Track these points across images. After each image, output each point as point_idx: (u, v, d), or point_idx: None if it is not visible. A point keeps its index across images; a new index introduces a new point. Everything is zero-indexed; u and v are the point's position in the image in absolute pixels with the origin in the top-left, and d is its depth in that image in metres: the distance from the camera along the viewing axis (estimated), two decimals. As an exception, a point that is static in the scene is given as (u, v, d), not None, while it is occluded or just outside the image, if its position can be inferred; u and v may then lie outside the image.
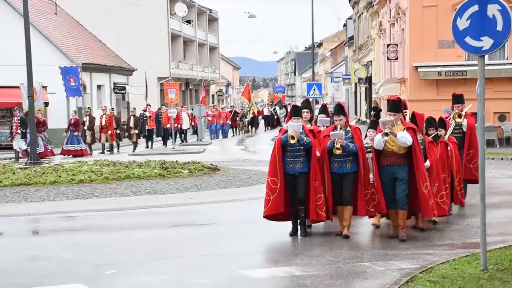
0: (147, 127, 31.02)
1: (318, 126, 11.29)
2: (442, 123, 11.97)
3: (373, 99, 42.68)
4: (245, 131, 45.34)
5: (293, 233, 10.25)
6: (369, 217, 10.54)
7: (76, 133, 26.88)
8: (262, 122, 51.52)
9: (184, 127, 35.05)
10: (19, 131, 25.14)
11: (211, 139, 38.00)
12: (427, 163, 10.53)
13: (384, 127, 9.75)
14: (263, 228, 10.79)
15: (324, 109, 12.03)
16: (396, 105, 10.02)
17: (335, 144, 9.86)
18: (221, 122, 40.12)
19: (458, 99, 12.99)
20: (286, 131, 10.16)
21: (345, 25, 65.44)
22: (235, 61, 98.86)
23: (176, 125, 32.56)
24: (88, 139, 27.91)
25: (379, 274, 8.08)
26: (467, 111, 13.03)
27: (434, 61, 27.55)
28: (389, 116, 9.99)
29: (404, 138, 9.72)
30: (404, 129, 9.86)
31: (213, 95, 70.17)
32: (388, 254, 9.09)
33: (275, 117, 52.62)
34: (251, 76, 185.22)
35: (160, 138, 33.12)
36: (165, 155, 24.12)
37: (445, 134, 11.93)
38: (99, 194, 15.18)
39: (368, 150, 10.38)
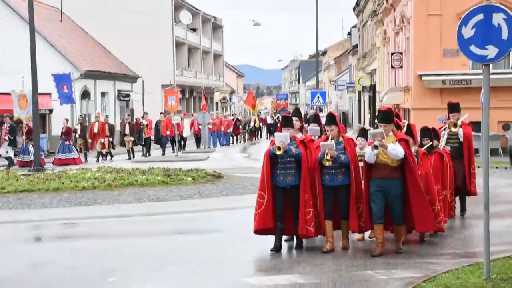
0: (144, 136, 30.63)
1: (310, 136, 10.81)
2: (434, 134, 11.61)
3: (377, 108, 42.67)
4: (248, 139, 45.22)
5: (275, 249, 9.64)
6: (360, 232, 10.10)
7: (67, 142, 26.40)
8: (264, 130, 51.29)
9: (185, 134, 34.73)
10: (7, 137, 24.66)
11: (213, 147, 37.76)
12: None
13: (373, 139, 9.31)
14: (266, 236, 10.77)
15: (315, 118, 11.36)
16: (387, 116, 9.56)
17: (325, 156, 9.45)
18: (222, 130, 39.78)
19: (453, 108, 12.57)
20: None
21: (349, 33, 65.53)
22: (239, 69, 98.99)
23: (177, 132, 32.32)
24: (80, 147, 27.46)
25: (382, 282, 8.05)
26: (463, 120, 12.64)
27: (438, 69, 27.55)
28: (380, 127, 9.52)
29: (395, 150, 9.23)
30: (396, 141, 9.36)
31: (217, 103, 70.24)
32: (390, 263, 9.05)
33: (279, 125, 52.20)
34: (255, 84, 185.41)
35: (159, 146, 32.69)
36: (168, 162, 24.13)
37: (439, 145, 11.66)
38: (102, 201, 15.19)
39: (359, 159, 9.93)
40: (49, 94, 31.12)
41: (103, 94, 39.56)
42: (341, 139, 9.77)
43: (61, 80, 28.58)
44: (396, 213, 9.44)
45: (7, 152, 24.82)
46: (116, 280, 8.32)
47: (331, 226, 9.67)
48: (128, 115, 31.97)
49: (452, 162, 11.77)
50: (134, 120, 32.18)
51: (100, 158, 27.84)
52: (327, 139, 9.73)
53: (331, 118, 9.85)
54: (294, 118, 10.23)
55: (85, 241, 11.26)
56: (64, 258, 9.78)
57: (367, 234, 10.43)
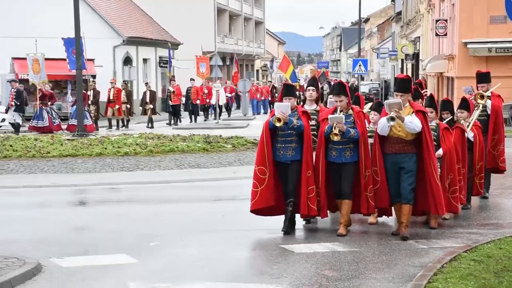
0: (170, 103, 29.39)
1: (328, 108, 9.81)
2: (464, 104, 10.44)
3: (420, 76, 42.02)
4: None
5: (286, 230, 8.92)
6: (367, 214, 9.21)
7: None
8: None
9: (221, 102, 33.20)
10: (13, 103, 24.12)
11: (253, 115, 37.46)
12: (440, 151, 9.19)
13: (389, 110, 8.47)
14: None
15: (340, 89, 9.43)
16: (404, 84, 8.72)
17: (333, 129, 8.58)
18: (258, 97, 38.83)
19: (482, 78, 11.35)
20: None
21: (393, 0, 64.35)
22: (280, 36, 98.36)
23: (208, 100, 31.76)
24: (93, 113, 25.77)
25: (422, 252, 8.01)
26: (493, 91, 11.34)
27: (484, 37, 26.93)
28: (396, 97, 8.75)
29: (413, 123, 8.45)
30: (412, 113, 8.56)
31: (257, 70, 70.06)
32: (431, 233, 8.99)
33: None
34: (296, 51, 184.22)
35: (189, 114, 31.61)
36: (208, 130, 24.24)
37: (469, 117, 10.42)
38: (144, 167, 15.37)
39: (369, 135, 9.05)
40: (92, 60, 31.40)
41: (144, 60, 39.76)
42: (350, 111, 8.90)
43: (72, 44, 25.89)
44: (406, 190, 8.57)
45: (13, 117, 24.37)
46: (157, 245, 8.44)
47: (345, 204, 8.84)
48: (148, 82, 30.67)
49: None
50: (146, 87, 30.22)
51: (120, 124, 27.01)
52: (335, 111, 8.86)
53: (340, 87, 9.00)
54: (311, 88, 9.45)
55: (126, 206, 11.44)
56: (106, 222, 9.95)
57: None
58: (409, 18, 50.43)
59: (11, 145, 17.34)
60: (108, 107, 27.31)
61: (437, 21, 32.02)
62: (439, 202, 8.65)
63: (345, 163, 8.77)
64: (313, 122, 9.07)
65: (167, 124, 29.22)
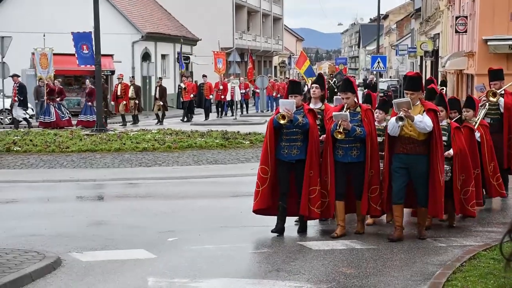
0: (181, 99, 29.08)
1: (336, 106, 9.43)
2: (469, 103, 10.06)
3: (439, 73, 41.75)
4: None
5: (277, 231, 8.64)
6: (371, 216, 9.03)
7: (89, 103, 24.41)
8: None
9: (236, 98, 32.20)
10: (16, 98, 23.72)
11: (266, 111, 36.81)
12: (450, 151, 8.87)
13: (398, 109, 8.13)
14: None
15: (347, 85, 8.87)
16: (414, 82, 8.37)
17: (337, 127, 8.31)
18: (274, 94, 37.41)
19: (495, 75, 10.94)
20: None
21: (412, -4, 63.94)
22: (298, 32, 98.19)
23: (223, 96, 31.24)
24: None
25: (441, 250, 7.97)
26: (506, 88, 10.90)
27: (505, 34, 26.66)
28: (406, 95, 8.39)
29: (423, 122, 8.11)
30: (423, 111, 8.22)
31: (275, 67, 69.99)
32: (450, 231, 8.94)
33: (334, 89, 50.03)
34: (314, 47, 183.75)
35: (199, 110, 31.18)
36: (226, 126, 24.27)
37: (475, 116, 10.03)
38: (162, 163, 15.44)
39: (378, 133, 8.80)
40: (111, 55, 31.55)
41: (163, 56, 39.89)
42: (358, 109, 8.59)
43: (81, 39, 25.62)
44: (421, 193, 8.37)
45: (17, 116, 23.98)
46: (176, 241, 8.47)
47: (342, 207, 8.57)
48: (160, 78, 29.98)
49: (492, 136, 10.22)
50: (156, 83, 29.92)
51: (134, 120, 26.64)
52: (342, 109, 8.59)
53: (347, 84, 8.66)
54: (315, 86, 9.08)
55: (145, 201, 11.50)
56: (125, 217, 10.01)
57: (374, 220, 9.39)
58: (428, 14, 50.09)
59: (31, 140, 17.50)
60: (116, 104, 27.11)
61: (457, 17, 31.76)
62: (440, 206, 8.38)
63: (351, 162, 8.48)
64: (317, 122, 8.74)
65: (181, 120, 28.88)
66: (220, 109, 32.35)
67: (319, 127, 8.73)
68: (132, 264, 7.44)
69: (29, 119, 24.47)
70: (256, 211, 8.83)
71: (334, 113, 8.45)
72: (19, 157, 15.86)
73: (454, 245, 8.18)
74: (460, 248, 8.03)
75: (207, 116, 30.41)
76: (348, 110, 8.49)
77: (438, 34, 44.67)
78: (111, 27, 31.25)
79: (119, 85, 27.03)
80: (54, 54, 25.94)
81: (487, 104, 10.65)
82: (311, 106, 8.94)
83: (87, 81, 25.29)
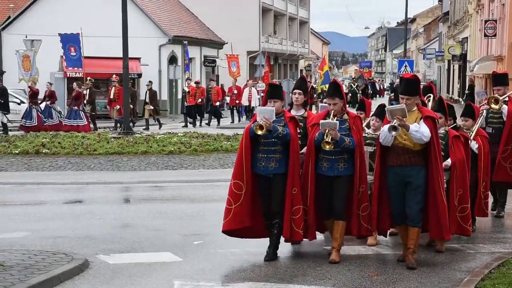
0: (186, 104, 27.20)
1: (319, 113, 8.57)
2: (469, 112, 9.08)
3: (467, 77, 41.35)
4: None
5: (269, 258, 7.67)
6: (359, 237, 7.95)
7: (75, 107, 23.25)
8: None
9: (253, 104, 30.18)
10: None
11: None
12: (448, 161, 8.02)
13: (392, 117, 7.20)
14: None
15: (335, 90, 7.80)
16: (411, 86, 7.39)
17: (324, 137, 7.40)
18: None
19: (499, 80, 9.96)
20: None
21: (440, 0, 63.47)
22: (325, 36, 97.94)
23: (237, 101, 29.91)
24: (90, 113, 24.36)
25: (469, 257, 7.90)
26: (510, 95, 9.88)
27: (535, 38, 26.35)
28: (401, 101, 7.39)
29: (419, 132, 7.20)
30: (421, 119, 7.31)
31: (301, 70, 69.87)
32: (478, 237, 8.84)
33: (358, 93, 48.03)
34: (340, 51, 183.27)
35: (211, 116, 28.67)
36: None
37: (473, 127, 9.02)
38: (188, 166, 15.51)
39: (368, 142, 8.05)
40: (138, 58, 31.77)
41: (190, 59, 40.04)
42: (345, 116, 7.66)
43: (69, 40, 25.00)
44: (413, 210, 7.33)
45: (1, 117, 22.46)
46: (202, 244, 8.50)
47: (338, 225, 7.63)
48: (150, 81, 27.33)
49: (493, 147, 9.32)
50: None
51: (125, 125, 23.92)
52: (327, 115, 7.66)
53: (334, 88, 7.68)
54: (297, 91, 8.10)
55: (171, 204, 11.56)
56: (151, 220, 10.07)
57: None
58: (456, 18, 49.67)
59: (59, 142, 17.69)
60: (110, 108, 25.42)
61: (486, 21, 31.47)
62: (445, 225, 7.42)
63: (338, 176, 7.53)
64: (298, 130, 7.81)
65: (183, 127, 26.58)
66: (236, 113, 30.63)
67: (299, 135, 7.80)
68: (159, 267, 7.48)
69: (6, 123, 22.73)
70: (227, 232, 7.82)
71: (321, 121, 7.49)
72: (47, 159, 16.05)
73: (482, 252, 8.09)
74: (488, 255, 7.94)
75: (211, 121, 28.27)
76: (335, 118, 7.58)
77: (467, 38, 44.27)
78: (139, 30, 31.46)
79: (113, 88, 25.18)
80: (83, 57, 26.12)
81: (485, 111, 9.71)
82: (293, 112, 8.02)
83: (74, 84, 24.10)
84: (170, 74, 34.15)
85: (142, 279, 7.04)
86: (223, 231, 7.84)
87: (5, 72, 33.17)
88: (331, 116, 7.58)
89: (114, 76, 25.93)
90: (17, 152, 16.78)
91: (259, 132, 7.44)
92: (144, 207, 11.29)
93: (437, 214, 7.41)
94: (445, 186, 7.72)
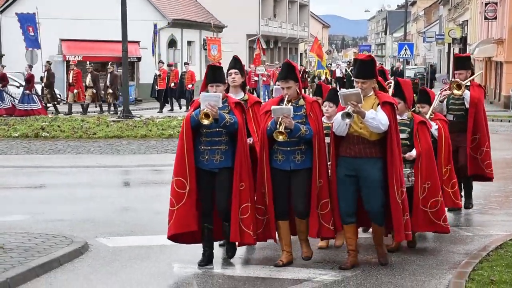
0: (156, 88, 26.49)
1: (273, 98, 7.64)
2: (424, 97, 8.25)
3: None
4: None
5: (204, 263, 6.81)
6: (322, 238, 7.16)
7: (27, 91, 22.45)
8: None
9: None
10: None
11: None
12: (413, 152, 7.22)
13: (345, 103, 6.43)
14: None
15: (289, 73, 6.78)
16: (366, 68, 6.60)
17: (277, 126, 6.51)
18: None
19: (461, 63, 9.14)
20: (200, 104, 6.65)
21: (440, -18, 63.17)
22: (325, 19, 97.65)
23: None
24: (47, 97, 23.80)
25: (467, 239, 7.94)
26: (474, 80, 9.27)
27: (535, 21, 26.27)
28: (356, 85, 6.64)
29: (376, 120, 6.43)
30: (378, 105, 6.55)
31: (301, 54, 69.70)
32: (476, 220, 8.89)
33: (351, 78, 45.76)
34: (340, 34, 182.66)
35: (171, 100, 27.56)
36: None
37: (428, 111, 8.13)
38: (188, 149, 15.50)
39: (326, 132, 6.93)
40: (138, 42, 31.69)
41: (189, 43, 39.94)
42: (301, 101, 6.75)
43: (26, 20, 24.28)
44: (374, 207, 6.61)
45: None
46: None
47: (287, 228, 6.81)
48: (111, 64, 25.91)
49: (455, 136, 8.63)
50: (108, 70, 26.32)
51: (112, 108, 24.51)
52: (281, 101, 6.75)
53: (288, 70, 6.70)
54: (233, 71, 7.21)
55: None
56: (151, 203, 10.09)
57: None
58: (457, 1, 49.47)
59: (59, 126, 17.71)
60: (68, 92, 24.79)
61: (486, 4, 31.32)
62: (397, 226, 6.66)
63: (294, 170, 6.68)
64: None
65: (158, 112, 25.58)
66: None
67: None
68: (158, 250, 7.52)
69: None
70: (172, 237, 6.88)
71: (273, 107, 6.57)
72: (47, 142, 16.08)
73: (480, 234, 8.13)
74: (486, 237, 7.97)
75: (187, 107, 25.68)
76: (290, 103, 6.68)
77: (467, 21, 44.13)
78: (137, 13, 31.34)
79: (71, 72, 24.63)
80: (82, 41, 26.06)
81: (439, 96, 8.98)
82: (231, 96, 7.05)
83: (26, 67, 23.41)
84: (169, 58, 34.07)
85: (142, 262, 7.08)
86: (168, 238, 6.92)
87: (4, 55, 33.11)
88: (285, 101, 6.66)
89: (72, 60, 25.53)
90: (16, 135, 16.81)
91: (205, 122, 6.49)
92: (143, 191, 11.32)
93: (397, 215, 6.63)
94: (412, 178, 7.16)
